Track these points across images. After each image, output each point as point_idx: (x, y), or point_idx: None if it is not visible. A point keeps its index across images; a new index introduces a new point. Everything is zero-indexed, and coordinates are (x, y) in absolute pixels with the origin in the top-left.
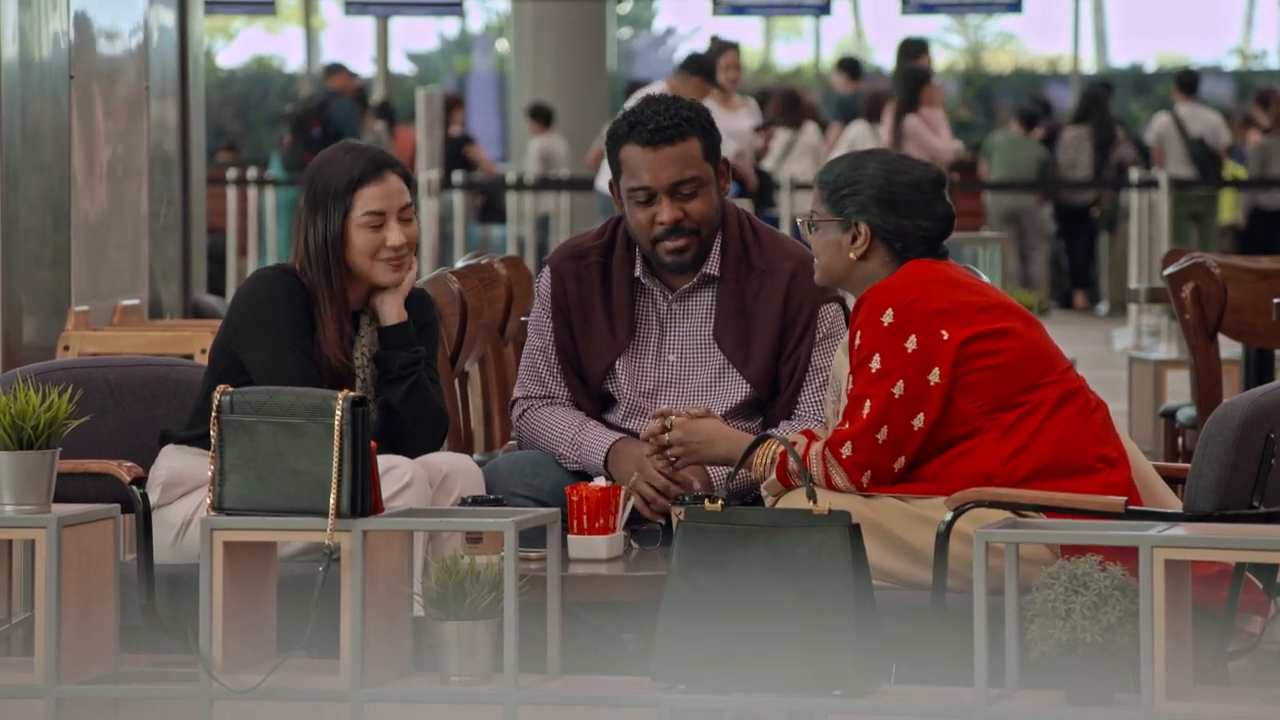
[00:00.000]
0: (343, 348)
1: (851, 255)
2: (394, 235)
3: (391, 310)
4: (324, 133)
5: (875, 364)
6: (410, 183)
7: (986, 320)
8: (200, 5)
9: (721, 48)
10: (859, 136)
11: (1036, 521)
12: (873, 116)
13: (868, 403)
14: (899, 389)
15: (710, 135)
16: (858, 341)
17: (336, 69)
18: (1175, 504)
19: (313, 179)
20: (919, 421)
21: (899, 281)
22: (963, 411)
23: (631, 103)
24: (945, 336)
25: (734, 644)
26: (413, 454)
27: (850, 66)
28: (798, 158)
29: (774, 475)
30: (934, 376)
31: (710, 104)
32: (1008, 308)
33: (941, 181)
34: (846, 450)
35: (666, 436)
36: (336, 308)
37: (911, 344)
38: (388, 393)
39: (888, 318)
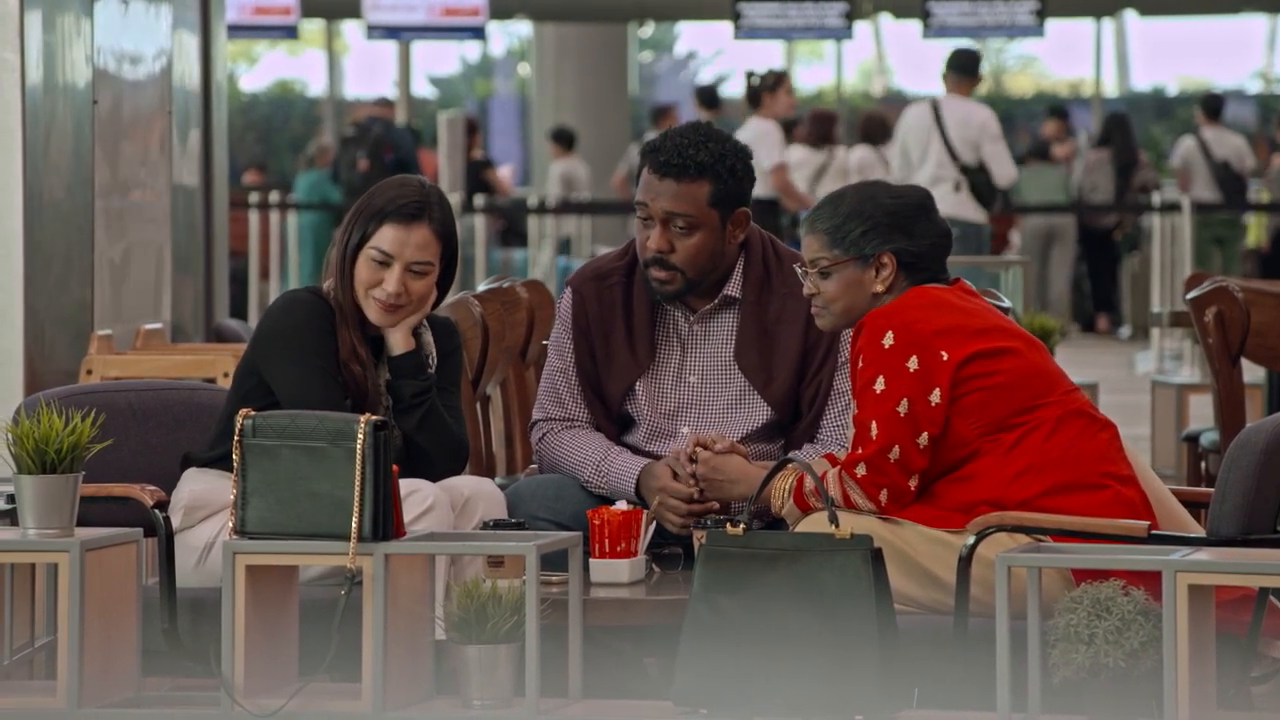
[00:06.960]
0: (359, 360)
1: (878, 288)
2: (391, 283)
3: (397, 340)
4: (395, 158)
5: (879, 385)
6: (449, 241)
7: (983, 341)
8: (223, 29)
9: (778, 78)
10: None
11: (1059, 546)
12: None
13: (874, 424)
14: (903, 407)
15: (728, 182)
16: (860, 364)
17: (386, 102)
18: (1195, 529)
19: (370, 193)
20: (924, 440)
21: (898, 306)
22: (960, 434)
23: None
24: (945, 357)
25: (755, 668)
26: (433, 479)
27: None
28: (831, 181)
29: (791, 503)
30: (934, 397)
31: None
32: (1006, 330)
33: (931, 199)
34: (861, 470)
35: (691, 468)
36: (349, 322)
37: (913, 364)
38: (401, 422)
39: (888, 340)
